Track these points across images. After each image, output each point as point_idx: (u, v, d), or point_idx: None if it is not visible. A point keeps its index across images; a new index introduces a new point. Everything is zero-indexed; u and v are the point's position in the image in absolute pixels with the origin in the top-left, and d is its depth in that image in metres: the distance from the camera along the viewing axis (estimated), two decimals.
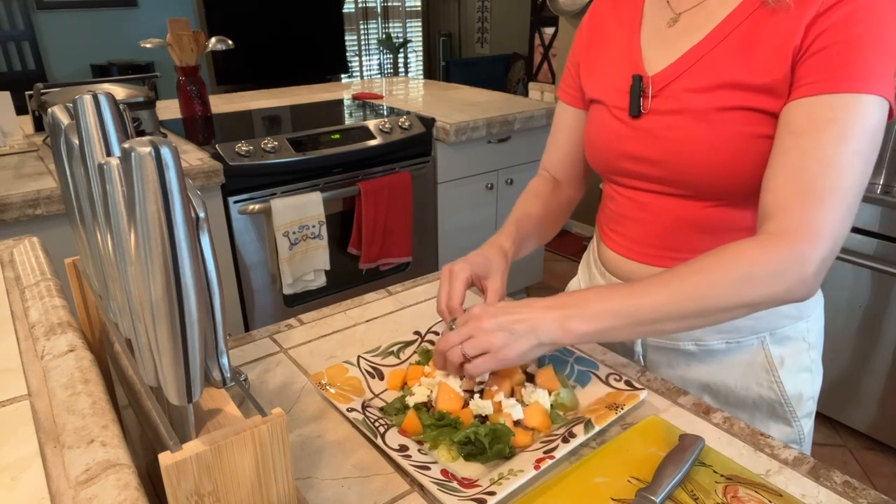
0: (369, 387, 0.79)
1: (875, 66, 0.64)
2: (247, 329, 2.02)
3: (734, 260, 0.66)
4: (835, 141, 0.64)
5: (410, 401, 0.73)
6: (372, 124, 2.15)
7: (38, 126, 2.03)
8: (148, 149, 0.36)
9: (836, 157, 0.64)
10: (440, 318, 0.89)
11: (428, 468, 0.64)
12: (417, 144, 2.21)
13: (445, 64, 5.51)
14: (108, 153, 0.47)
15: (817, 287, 0.67)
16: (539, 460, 0.64)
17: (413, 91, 2.96)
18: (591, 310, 0.68)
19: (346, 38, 5.44)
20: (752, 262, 0.66)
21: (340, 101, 2.64)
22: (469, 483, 0.63)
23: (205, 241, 0.43)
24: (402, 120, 2.19)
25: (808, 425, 0.88)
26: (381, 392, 0.78)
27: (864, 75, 0.64)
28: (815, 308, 0.86)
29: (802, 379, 0.86)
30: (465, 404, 0.72)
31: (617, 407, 0.71)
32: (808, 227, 0.65)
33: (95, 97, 0.47)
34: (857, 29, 0.64)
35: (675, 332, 0.77)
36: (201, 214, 0.42)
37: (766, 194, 0.69)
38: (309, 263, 2.01)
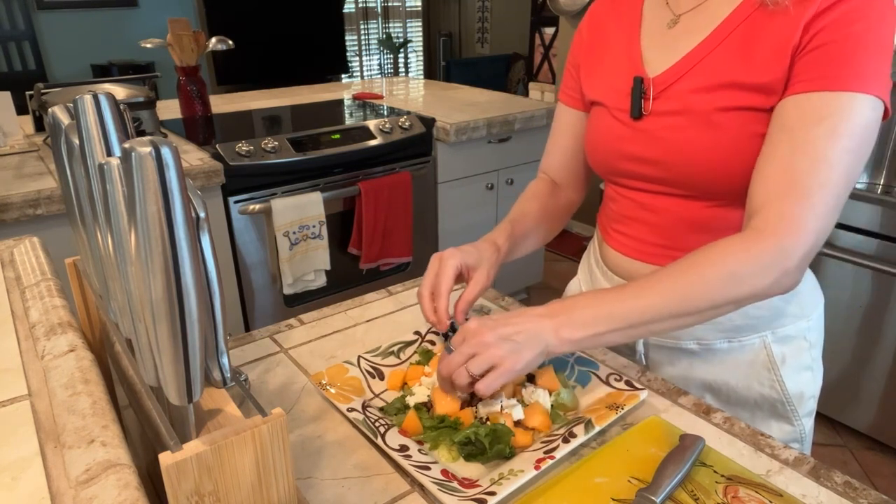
0: (369, 387, 0.79)
1: (869, 66, 0.64)
2: (247, 329, 2.02)
3: (720, 259, 0.67)
4: (825, 137, 0.65)
5: (411, 401, 0.73)
6: (372, 124, 2.15)
7: (39, 126, 2.03)
8: (148, 149, 0.36)
9: (826, 153, 0.65)
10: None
11: (428, 468, 0.64)
12: (418, 144, 2.21)
13: (445, 64, 5.52)
14: (109, 153, 0.47)
15: (800, 278, 0.68)
16: (539, 460, 0.64)
17: (413, 91, 2.95)
18: (583, 316, 0.67)
19: (347, 38, 5.44)
20: (737, 261, 0.66)
21: (341, 101, 2.64)
22: (469, 483, 0.63)
23: (205, 241, 0.43)
24: (402, 120, 2.19)
25: (808, 424, 0.88)
26: (382, 392, 0.78)
27: (859, 74, 0.64)
28: (815, 307, 0.87)
29: (804, 378, 0.86)
30: (463, 406, 0.72)
31: (617, 407, 0.71)
32: (792, 222, 0.65)
33: (96, 97, 0.47)
34: (853, 28, 0.64)
35: (668, 331, 0.77)
36: (201, 214, 0.42)
37: (755, 187, 0.69)
38: (309, 263, 2.01)
